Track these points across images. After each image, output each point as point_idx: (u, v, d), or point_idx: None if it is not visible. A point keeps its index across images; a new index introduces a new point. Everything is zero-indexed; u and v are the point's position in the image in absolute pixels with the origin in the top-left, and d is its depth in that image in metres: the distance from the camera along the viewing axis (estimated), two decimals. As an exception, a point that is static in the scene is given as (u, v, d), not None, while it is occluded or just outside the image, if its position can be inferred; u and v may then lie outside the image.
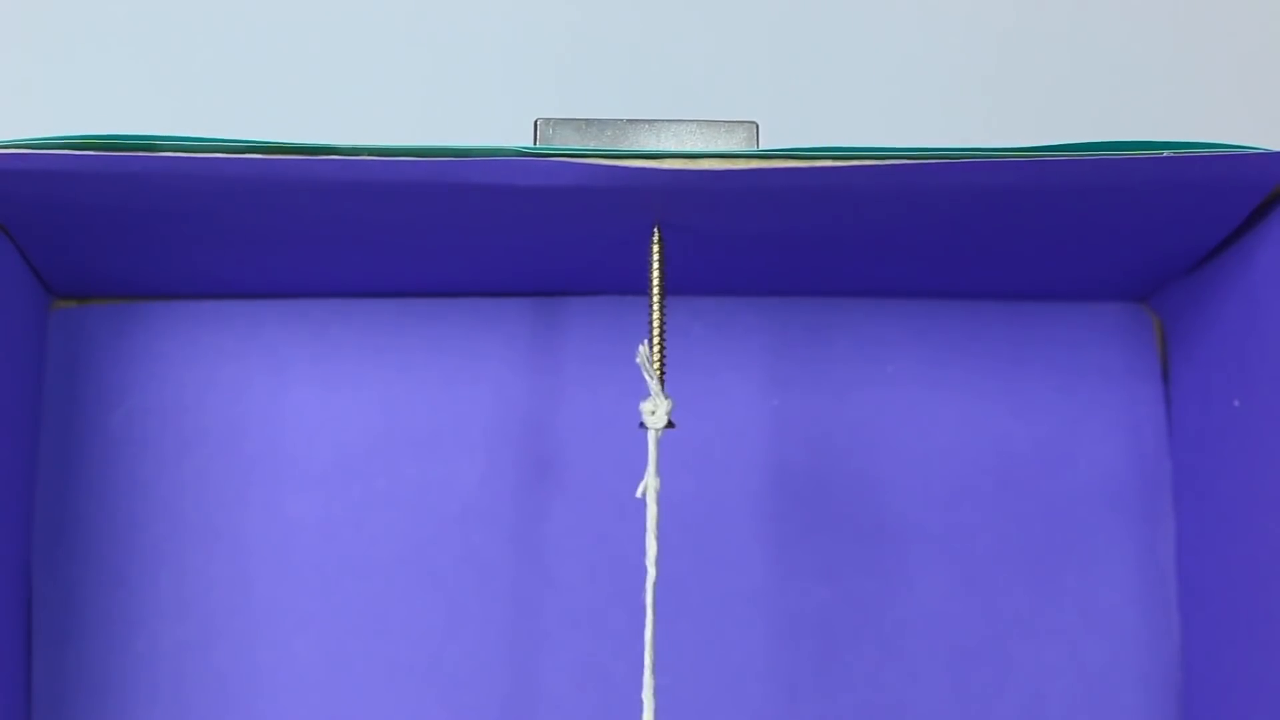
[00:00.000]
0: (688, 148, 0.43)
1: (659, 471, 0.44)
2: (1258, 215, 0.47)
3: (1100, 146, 0.42)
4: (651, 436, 0.44)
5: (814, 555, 0.52)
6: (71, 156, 0.41)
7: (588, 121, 0.44)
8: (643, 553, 0.44)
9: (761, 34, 0.60)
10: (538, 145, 0.43)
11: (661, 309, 0.45)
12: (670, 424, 0.44)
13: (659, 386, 0.44)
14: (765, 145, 0.43)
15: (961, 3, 0.60)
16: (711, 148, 0.44)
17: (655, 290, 0.45)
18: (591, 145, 0.43)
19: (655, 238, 0.45)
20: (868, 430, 0.54)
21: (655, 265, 0.45)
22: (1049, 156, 0.42)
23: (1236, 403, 0.49)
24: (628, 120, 0.44)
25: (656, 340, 0.45)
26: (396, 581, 0.52)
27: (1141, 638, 0.53)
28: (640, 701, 0.44)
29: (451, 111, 0.58)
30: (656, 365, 0.45)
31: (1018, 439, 0.54)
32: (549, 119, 0.44)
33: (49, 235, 0.47)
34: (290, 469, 0.52)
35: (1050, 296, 0.54)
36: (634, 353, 0.47)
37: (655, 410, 0.44)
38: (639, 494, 0.44)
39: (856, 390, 0.54)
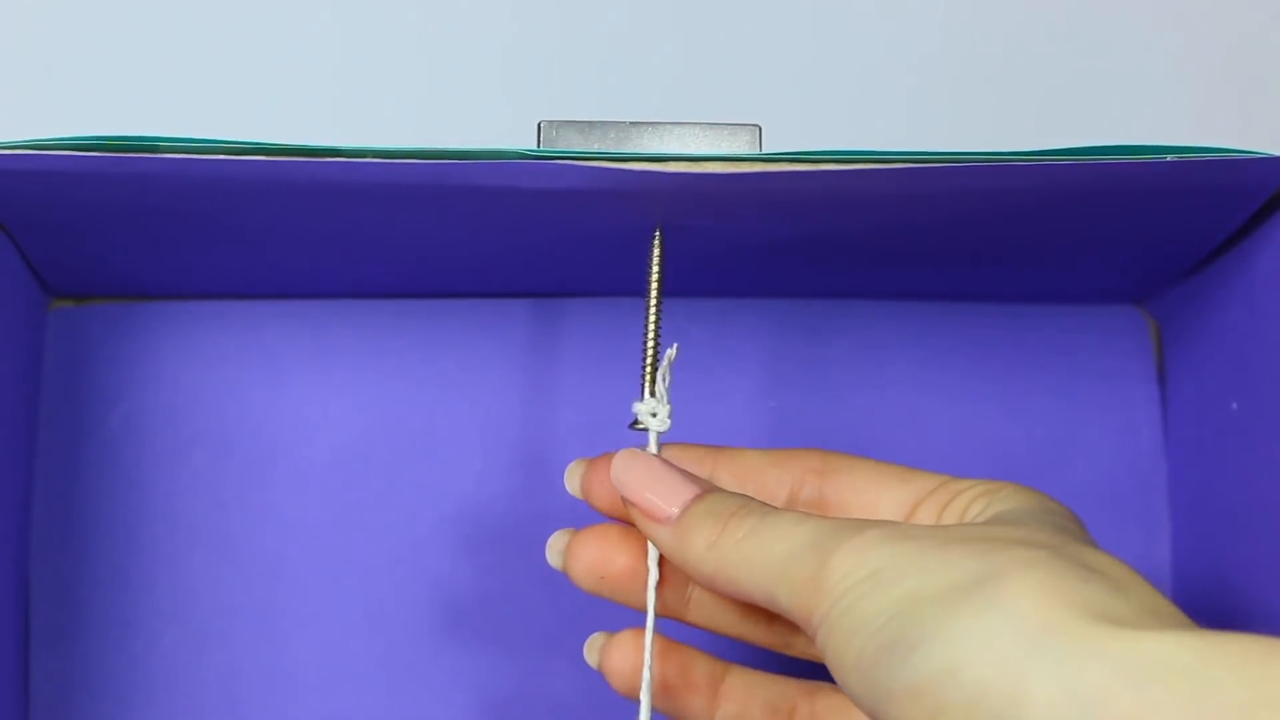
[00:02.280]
0: (691, 150, 0.43)
1: None
2: (1258, 219, 0.47)
3: (1103, 151, 0.42)
4: (653, 438, 0.44)
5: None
6: (74, 157, 0.41)
7: (590, 124, 0.44)
8: (640, 552, 0.45)
9: (765, 37, 0.60)
10: (540, 148, 0.43)
11: (659, 311, 0.45)
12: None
13: (665, 390, 0.44)
14: (768, 148, 0.43)
15: (963, 6, 0.60)
16: (715, 150, 0.43)
17: (654, 292, 0.45)
18: (594, 148, 0.43)
19: (656, 239, 0.45)
20: (865, 432, 0.54)
21: (655, 267, 0.45)
22: (1052, 160, 0.42)
23: (1234, 405, 0.49)
24: (630, 123, 0.44)
25: (652, 342, 0.45)
26: (394, 581, 0.52)
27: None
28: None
29: (454, 114, 0.58)
30: (650, 366, 0.45)
31: (1014, 441, 0.54)
32: (552, 121, 0.44)
33: (49, 235, 0.47)
34: (288, 469, 0.52)
35: (1048, 299, 0.54)
36: (634, 355, 0.47)
37: (657, 413, 0.44)
38: None
39: (854, 392, 0.54)
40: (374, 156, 0.41)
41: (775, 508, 0.40)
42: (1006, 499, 0.40)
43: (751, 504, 0.41)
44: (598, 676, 0.46)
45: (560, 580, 0.52)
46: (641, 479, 0.42)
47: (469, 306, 0.53)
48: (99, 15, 0.58)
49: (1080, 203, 0.45)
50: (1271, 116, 0.60)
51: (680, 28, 0.60)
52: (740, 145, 0.44)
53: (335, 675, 0.51)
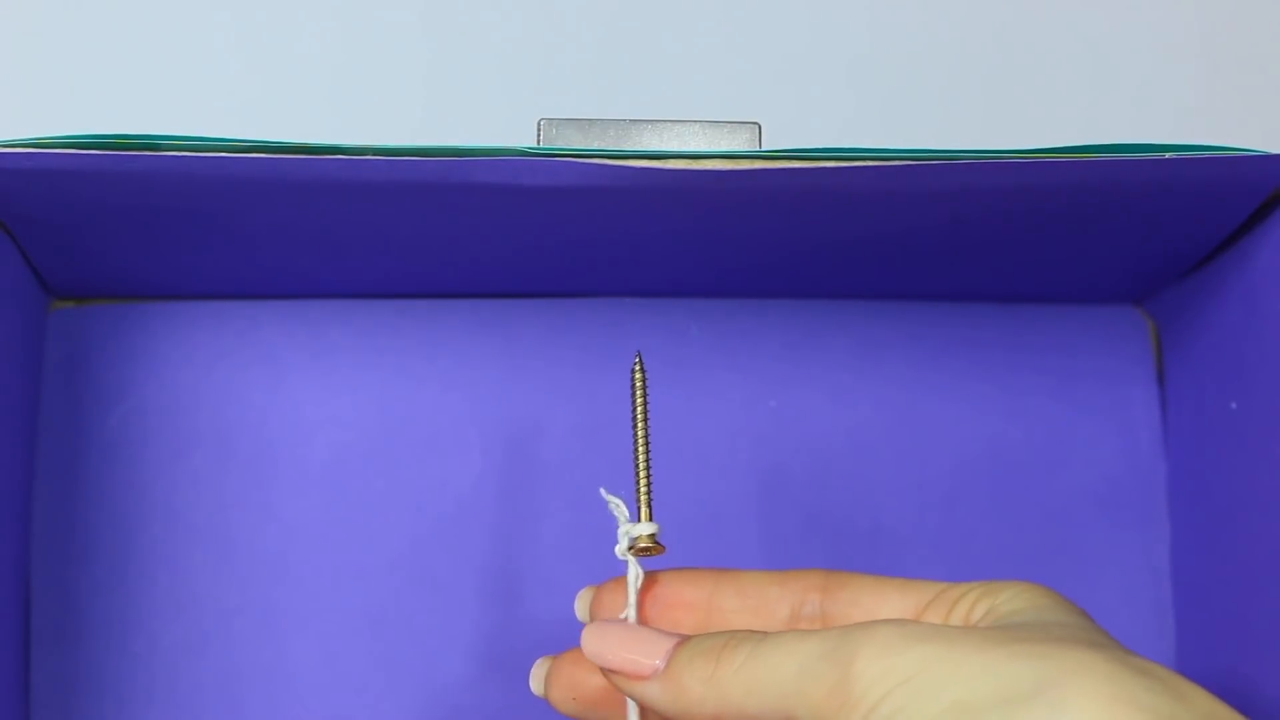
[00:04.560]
0: (691, 148, 0.43)
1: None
2: (1257, 217, 0.47)
3: (1102, 149, 0.42)
4: (631, 569, 0.43)
5: (810, 555, 0.52)
6: (75, 156, 0.41)
7: (590, 121, 0.44)
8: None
9: (765, 35, 0.60)
10: (541, 145, 0.43)
11: (647, 438, 0.43)
12: (658, 547, 0.43)
13: (648, 513, 0.43)
14: (768, 146, 0.43)
15: (963, 5, 0.60)
16: (714, 148, 0.43)
17: (639, 419, 0.43)
18: (594, 145, 0.43)
19: (637, 365, 0.44)
20: (864, 431, 0.54)
21: (639, 395, 0.43)
22: (1051, 158, 0.42)
23: (1233, 405, 0.49)
24: (631, 120, 0.44)
25: (644, 468, 0.43)
26: (393, 581, 0.52)
27: (1137, 640, 0.53)
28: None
29: (455, 112, 0.58)
30: (644, 494, 0.43)
31: (1013, 441, 0.54)
32: (552, 119, 0.44)
33: (50, 235, 0.47)
34: (288, 470, 0.52)
35: (1046, 299, 0.54)
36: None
37: (640, 535, 0.43)
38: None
39: (853, 392, 0.54)
40: (375, 154, 0.41)
41: (766, 633, 0.38)
42: (1015, 598, 0.38)
43: (739, 633, 0.38)
44: None
45: (559, 580, 0.52)
46: (617, 642, 0.40)
47: (469, 306, 0.53)
48: (100, 14, 0.58)
49: (1079, 200, 0.45)
50: (1271, 115, 0.60)
51: (680, 25, 0.60)
52: (740, 143, 0.44)
53: (335, 675, 0.51)
